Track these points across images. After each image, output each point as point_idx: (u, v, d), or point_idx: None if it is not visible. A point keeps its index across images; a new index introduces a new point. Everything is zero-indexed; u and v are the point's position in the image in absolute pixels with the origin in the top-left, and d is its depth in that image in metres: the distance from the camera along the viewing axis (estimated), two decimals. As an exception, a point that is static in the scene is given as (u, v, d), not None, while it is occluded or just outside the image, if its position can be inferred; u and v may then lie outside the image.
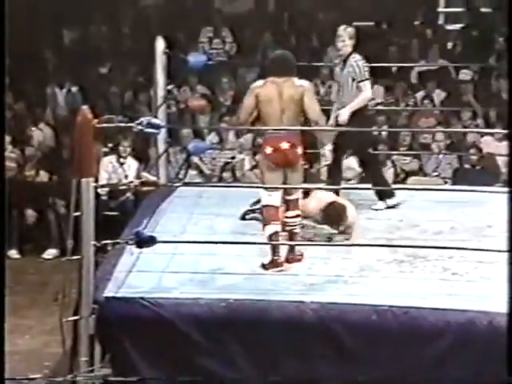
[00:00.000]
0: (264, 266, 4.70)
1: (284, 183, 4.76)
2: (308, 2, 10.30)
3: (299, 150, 4.74)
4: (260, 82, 4.80)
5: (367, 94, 5.67)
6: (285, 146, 4.72)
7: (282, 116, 4.68)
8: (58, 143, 8.38)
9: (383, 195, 5.65)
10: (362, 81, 5.62)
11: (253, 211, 5.17)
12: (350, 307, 4.23)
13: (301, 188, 4.87)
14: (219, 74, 9.03)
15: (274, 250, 4.71)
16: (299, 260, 4.77)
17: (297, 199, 4.82)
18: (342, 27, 5.77)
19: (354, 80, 5.63)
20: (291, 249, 4.77)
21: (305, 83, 4.75)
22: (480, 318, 4.13)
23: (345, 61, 5.68)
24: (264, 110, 4.69)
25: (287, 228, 4.84)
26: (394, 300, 4.25)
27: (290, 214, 4.81)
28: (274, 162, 4.74)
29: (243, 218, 5.22)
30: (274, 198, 4.76)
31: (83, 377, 4.19)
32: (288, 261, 4.74)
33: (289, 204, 4.81)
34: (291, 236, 4.83)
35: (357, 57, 5.67)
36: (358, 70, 5.61)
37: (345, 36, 5.68)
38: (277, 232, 4.75)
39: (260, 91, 4.72)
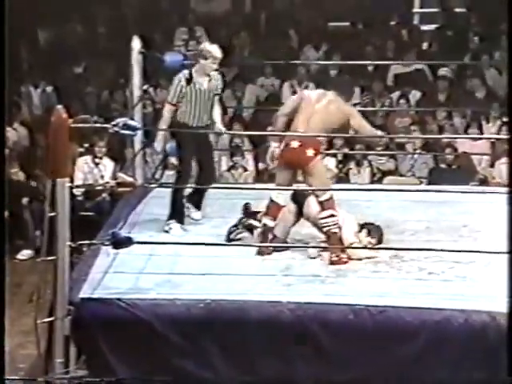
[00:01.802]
0: (259, 253, 4.84)
1: (286, 184, 4.84)
2: (285, 1, 10.31)
3: (310, 152, 4.75)
4: None
5: None
6: (295, 144, 4.77)
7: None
8: (32, 143, 8.32)
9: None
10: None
11: (237, 228, 5.15)
12: (327, 307, 4.24)
13: (286, 189, 4.90)
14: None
15: (262, 240, 4.87)
16: (344, 262, 4.76)
17: (328, 199, 4.82)
18: None
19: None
20: (333, 250, 4.77)
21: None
22: (456, 316, 4.16)
23: None
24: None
25: (323, 229, 4.88)
26: (371, 299, 4.27)
27: (324, 214, 4.85)
28: (283, 160, 4.87)
29: (229, 238, 5.11)
30: (281, 197, 4.89)
31: (58, 378, 4.16)
32: (332, 263, 4.75)
33: (322, 205, 4.85)
34: (328, 236, 4.85)
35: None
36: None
37: None
38: (266, 225, 4.90)
39: None
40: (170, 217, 5.32)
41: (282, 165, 4.93)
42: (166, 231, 5.26)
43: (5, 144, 4.32)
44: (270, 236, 4.97)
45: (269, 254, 4.87)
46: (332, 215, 4.84)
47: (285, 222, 5.00)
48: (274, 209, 4.94)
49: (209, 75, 5.32)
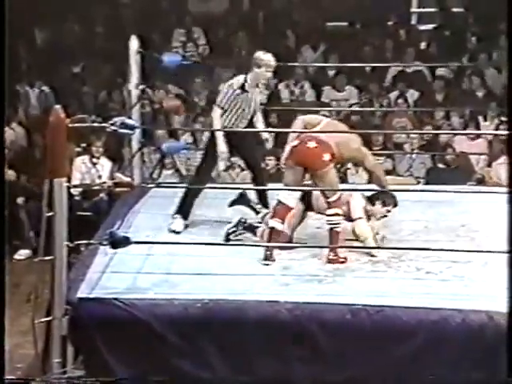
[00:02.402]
0: (266, 258, 4.77)
1: (294, 185, 4.79)
2: (283, 1, 10.31)
3: (326, 156, 4.74)
4: None
5: None
6: (311, 144, 4.74)
7: None
8: (30, 143, 8.31)
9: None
10: None
11: (235, 231, 5.13)
12: (325, 307, 4.24)
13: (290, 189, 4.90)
14: (194, 75, 9.01)
15: (269, 242, 4.81)
16: (342, 262, 4.77)
17: (336, 200, 4.83)
18: None
19: None
20: (332, 249, 4.78)
21: None
22: (453, 315, 4.16)
23: None
24: None
25: (327, 226, 4.88)
26: (368, 299, 4.27)
27: (329, 212, 4.85)
28: (295, 158, 4.78)
29: (227, 239, 5.09)
30: (290, 198, 4.83)
31: (56, 378, 4.16)
32: (330, 261, 4.76)
33: (329, 204, 4.85)
34: (332, 234, 4.85)
35: None
36: None
37: None
38: (274, 228, 4.82)
39: None
40: (177, 211, 5.32)
41: (292, 163, 4.82)
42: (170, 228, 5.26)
43: (5, 144, 4.32)
44: (278, 239, 4.89)
45: (273, 260, 4.79)
46: (337, 214, 4.83)
47: (293, 219, 5.01)
48: (282, 211, 4.84)
49: (257, 85, 5.26)
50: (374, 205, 5.02)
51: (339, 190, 4.88)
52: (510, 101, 4.41)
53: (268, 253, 4.78)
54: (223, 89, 5.29)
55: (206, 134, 7.98)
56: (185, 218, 5.33)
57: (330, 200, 4.85)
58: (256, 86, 5.27)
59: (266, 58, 5.18)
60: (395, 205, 5.07)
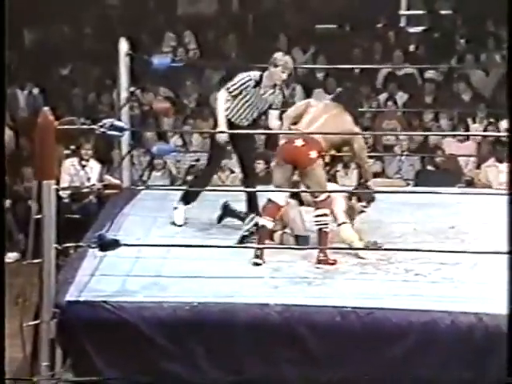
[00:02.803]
0: (257, 256, 4.78)
1: (283, 184, 4.81)
2: (272, 3, 10.32)
3: (312, 154, 4.75)
4: None
5: None
6: (299, 142, 4.76)
7: None
8: (18, 145, 8.28)
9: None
10: None
11: (251, 233, 5.09)
12: (314, 309, 4.24)
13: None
14: (184, 77, 9.00)
15: (259, 241, 4.82)
16: (332, 264, 4.77)
17: (324, 200, 4.83)
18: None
19: None
20: (321, 250, 4.78)
21: None
22: (443, 317, 4.17)
23: None
24: None
25: (315, 227, 4.88)
26: (358, 301, 4.27)
27: (317, 212, 4.86)
28: (283, 157, 4.82)
29: (242, 242, 5.07)
30: (280, 197, 4.84)
31: (44, 381, 4.14)
32: (320, 262, 4.76)
33: (316, 204, 4.86)
34: (321, 235, 4.85)
35: None
36: None
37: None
38: (264, 226, 4.82)
39: None
40: (181, 198, 5.36)
41: (281, 162, 4.86)
42: (175, 207, 5.33)
43: (4, 144, 4.31)
44: (268, 238, 4.91)
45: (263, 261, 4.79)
46: (325, 214, 4.83)
47: (296, 218, 5.02)
48: (272, 209, 4.86)
49: (275, 87, 5.20)
50: (350, 199, 5.04)
51: (325, 192, 4.87)
52: (510, 103, 4.41)
53: (259, 252, 4.78)
54: (238, 77, 5.24)
55: (195, 136, 8.11)
56: (187, 202, 5.34)
57: (317, 199, 4.85)
58: (273, 86, 5.21)
59: (285, 58, 5.17)
60: (371, 200, 5.06)
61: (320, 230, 4.86)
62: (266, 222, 4.85)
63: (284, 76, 5.19)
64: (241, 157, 5.43)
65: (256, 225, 5.02)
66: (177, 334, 4.23)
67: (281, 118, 5.18)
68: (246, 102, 5.21)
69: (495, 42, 9.37)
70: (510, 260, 4.11)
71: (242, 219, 5.33)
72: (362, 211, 5.11)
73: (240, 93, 5.20)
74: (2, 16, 4.38)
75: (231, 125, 5.23)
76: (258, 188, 5.44)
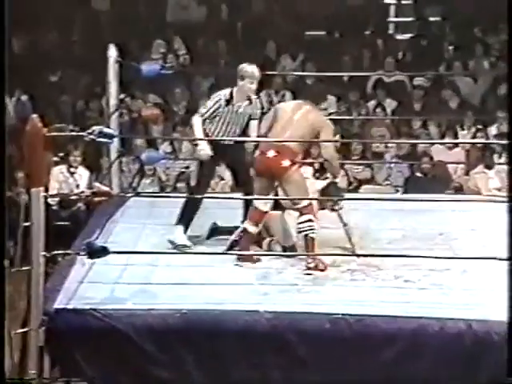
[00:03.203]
0: (238, 259, 4.82)
1: (264, 193, 4.85)
2: (261, 10, 10.34)
3: (285, 163, 4.78)
4: None
5: None
6: (270, 154, 4.79)
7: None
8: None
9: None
10: None
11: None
12: (304, 316, 4.24)
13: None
14: (173, 84, 9.00)
15: (243, 246, 4.86)
16: (322, 270, 4.76)
17: (306, 206, 4.83)
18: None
19: None
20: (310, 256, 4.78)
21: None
22: (432, 324, 4.17)
23: None
24: None
25: (300, 234, 4.89)
26: (347, 308, 4.27)
27: (301, 219, 4.86)
28: (257, 168, 4.89)
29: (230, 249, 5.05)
30: (263, 204, 4.88)
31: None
32: (309, 268, 4.76)
33: (300, 210, 4.86)
34: (306, 241, 4.85)
35: None
36: None
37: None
38: (246, 230, 4.88)
39: None
40: (178, 222, 5.20)
41: (257, 173, 4.94)
42: (171, 241, 5.12)
43: (5, 144, 4.30)
44: (251, 243, 4.94)
45: (256, 261, 4.83)
46: (310, 220, 4.84)
47: (279, 229, 5.05)
48: (256, 214, 4.91)
49: (250, 98, 5.16)
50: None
51: (303, 199, 4.84)
52: (510, 107, 4.42)
53: (242, 255, 4.84)
54: (210, 99, 5.20)
55: (185, 143, 8.10)
56: (186, 228, 5.17)
57: (299, 206, 4.85)
58: (246, 99, 5.15)
59: (250, 69, 5.12)
60: (340, 199, 5.04)
61: (306, 236, 4.86)
62: (249, 226, 4.90)
63: (253, 87, 5.13)
64: (232, 168, 5.39)
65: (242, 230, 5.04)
66: (166, 342, 4.22)
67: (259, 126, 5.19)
68: (223, 122, 5.16)
69: (483, 49, 9.42)
70: (510, 267, 4.11)
71: (233, 230, 5.31)
72: (334, 209, 5.09)
73: (214, 116, 5.14)
74: (2, 17, 4.38)
75: (215, 145, 5.16)
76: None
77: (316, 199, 5.05)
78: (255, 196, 4.92)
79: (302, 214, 4.86)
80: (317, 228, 4.87)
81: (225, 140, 5.15)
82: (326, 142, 4.94)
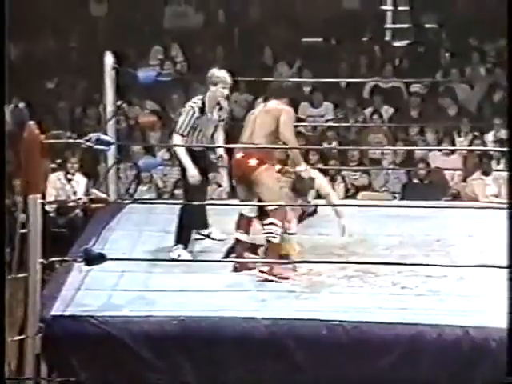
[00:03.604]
0: (235, 269, 4.80)
1: (249, 199, 4.82)
2: (258, 17, 10.36)
3: (252, 162, 4.75)
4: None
5: None
6: (238, 155, 4.83)
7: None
8: (4, 159, 8.22)
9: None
10: None
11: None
12: (301, 322, 4.23)
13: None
14: (170, 91, 9.01)
15: (238, 255, 4.85)
16: (280, 278, 4.72)
17: (274, 209, 4.76)
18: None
19: None
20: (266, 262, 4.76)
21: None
22: (429, 331, 4.17)
23: None
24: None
25: (264, 236, 4.86)
26: (345, 315, 4.27)
27: (266, 221, 4.81)
28: (234, 175, 4.92)
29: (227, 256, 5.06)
30: (249, 210, 4.88)
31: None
32: (262, 271, 4.74)
33: (267, 213, 4.81)
34: (268, 246, 4.82)
35: None
36: None
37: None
38: (238, 240, 4.87)
39: None
40: (177, 241, 5.12)
41: (236, 180, 4.93)
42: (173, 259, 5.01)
43: (5, 143, 4.31)
44: (245, 251, 4.93)
45: (250, 269, 4.81)
46: (271, 223, 4.76)
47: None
48: (244, 222, 4.91)
49: (219, 103, 5.16)
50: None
51: (277, 205, 4.80)
52: (510, 112, 4.43)
53: (237, 265, 4.81)
54: (182, 114, 5.16)
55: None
56: (185, 246, 5.11)
57: (269, 209, 4.78)
58: (216, 104, 5.16)
59: (221, 74, 5.11)
60: (309, 188, 5.01)
61: (267, 240, 4.81)
62: (240, 235, 4.88)
63: (226, 92, 5.12)
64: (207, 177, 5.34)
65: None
66: (163, 349, 4.21)
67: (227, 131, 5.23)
68: (200, 133, 5.15)
69: (480, 56, 9.45)
70: (509, 274, 4.11)
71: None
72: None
73: (192, 130, 5.12)
74: (2, 17, 4.38)
75: (197, 158, 5.14)
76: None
77: (289, 205, 4.95)
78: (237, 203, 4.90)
79: (268, 216, 4.80)
80: (279, 232, 4.77)
81: (205, 148, 5.14)
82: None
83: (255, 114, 4.96)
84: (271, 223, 4.76)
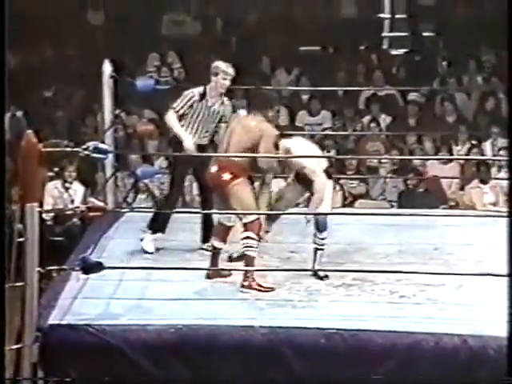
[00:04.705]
0: (208, 276, 4.81)
1: (224, 208, 4.82)
2: (256, 25, 10.39)
3: (225, 176, 4.77)
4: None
5: None
6: (213, 169, 4.85)
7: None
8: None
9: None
10: None
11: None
12: (299, 331, 4.23)
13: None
14: (167, 99, 9.01)
15: (212, 262, 4.86)
16: (260, 290, 4.70)
17: (251, 222, 4.76)
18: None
19: None
20: (245, 273, 4.73)
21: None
22: (427, 339, 4.16)
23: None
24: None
25: (241, 249, 4.85)
26: (343, 323, 4.26)
27: (242, 235, 4.81)
28: (211, 185, 4.90)
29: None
30: (227, 219, 4.88)
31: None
32: (243, 286, 4.72)
33: (245, 227, 4.81)
34: (245, 258, 4.80)
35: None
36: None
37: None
38: (215, 247, 4.90)
39: None
40: (149, 226, 5.26)
41: (213, 189, 4.94)
42: (141, 239, 5.22)
43: (5, 152, 4.32)
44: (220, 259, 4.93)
45: (224, 276, 4.82)
46: (248, 237, 4.75)
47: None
48: (221, 230, 4.90)
49: (221, 96, 5.21)
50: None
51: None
52: (510, 120, 4.44)
53: (210, 272, 4.82)
54: (182, 95, 5.25)
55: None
56: (155, 231, 5.24)
57: (244, 222, 4.78)
58: (219, 95, 5.22)
59: (223, 65, 5.22)
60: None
61: (244, 253, 4.78)
62: (216, 243, 4.90)
63: (227, 83, 5.21)
64: (199, 178, 5.30)
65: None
66: (161, 357, 4.20)
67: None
68: (197, 117, 5.21)
69: (477, 65, 9.47)
70: (509, 283, 4.11)
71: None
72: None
73: (188, 111, 5.19)
74: (2, 17, 4.38)
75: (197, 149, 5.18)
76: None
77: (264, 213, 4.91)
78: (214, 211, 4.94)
79: (244, 230, 4.79)
80: (255, 246, 4.75)
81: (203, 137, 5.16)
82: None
83: (231, 126, 4.95)
84: (247, 237, 4.76)
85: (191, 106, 5.21)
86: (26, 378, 4.11)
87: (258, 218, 4.78)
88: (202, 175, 5.18)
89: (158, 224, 5.30)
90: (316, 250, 4.93)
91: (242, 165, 4.78)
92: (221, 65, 5.23)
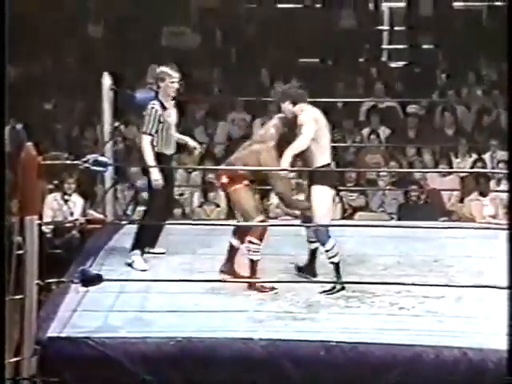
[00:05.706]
0: (222, 271, 4.91)
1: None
2: (255, 37, 10.42)
3: (223, 179, 4.91)
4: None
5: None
6: (224, 180, 4.94)
7: None
8: (1, 180, 8.22)
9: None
10: None
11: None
12: (299, 343, 4.22)
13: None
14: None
15: (227, 260, 4.94)
16: (260, 290, 4.79)
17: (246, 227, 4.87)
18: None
19: None
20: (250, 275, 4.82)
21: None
22: (427, 352, 4.16)
23: None
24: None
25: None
26: (342, 336, 4.26)
27: (245, 240, 4.92)
28: None
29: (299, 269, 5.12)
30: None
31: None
32: (250, 287, 4.79)
33: (247, 231, 4.91)
34: (249, 263, 4.87)
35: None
36: None
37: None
38: (232, 245, 4.96)
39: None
40: (133, 247, 5.25)
41: None
42: (129, 264, 5.18)
43: (5, 165, 4.34)
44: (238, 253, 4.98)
45: (233, 275, 4.91)
46: (250, 242, 4.85)
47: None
48: (240, 231, 4.96)
49: (174, 99, 5.31)
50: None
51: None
52: (510, 124, 4.45)
53: (223, 268, 4.95)
54: (145, 115, 5.27)
55: (179, 170, 8.08)
56: (142, 253, 5.23)
57: (245, 227, 4.88)
58: (171, 99, 5.32)
59: (167, 69, 5.32)
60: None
61: (248, 259, 4.87)
62: (234, 241, 4.97)
63: (176, 85, 5.31)
64: (168, 192, 5.35)
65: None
66: (160, 370, 4.19)
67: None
68: (165, 129, 5.27)
69: (476, 77, 9.49)
70: (509, 295, 4.10)
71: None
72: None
73: (158, 126, 5.23)
74: (2, 17, 4.39)
75: (161, 156, 5.25)
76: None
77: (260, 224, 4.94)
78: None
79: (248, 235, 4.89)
80: (257, 250, 4.83)
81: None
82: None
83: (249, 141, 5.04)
84: (250, 241, 4.85)
85: (160, 121, 5.25)
86: (24, 378, 4.09)
87: (263, 222, 4.85)
88: (171, 189, 5.32)
89: (143, 242, 5.26)
90: (312, 252, 5.06)
91: (243, 175, 4.89)
92: (165, 69, 5.33)
